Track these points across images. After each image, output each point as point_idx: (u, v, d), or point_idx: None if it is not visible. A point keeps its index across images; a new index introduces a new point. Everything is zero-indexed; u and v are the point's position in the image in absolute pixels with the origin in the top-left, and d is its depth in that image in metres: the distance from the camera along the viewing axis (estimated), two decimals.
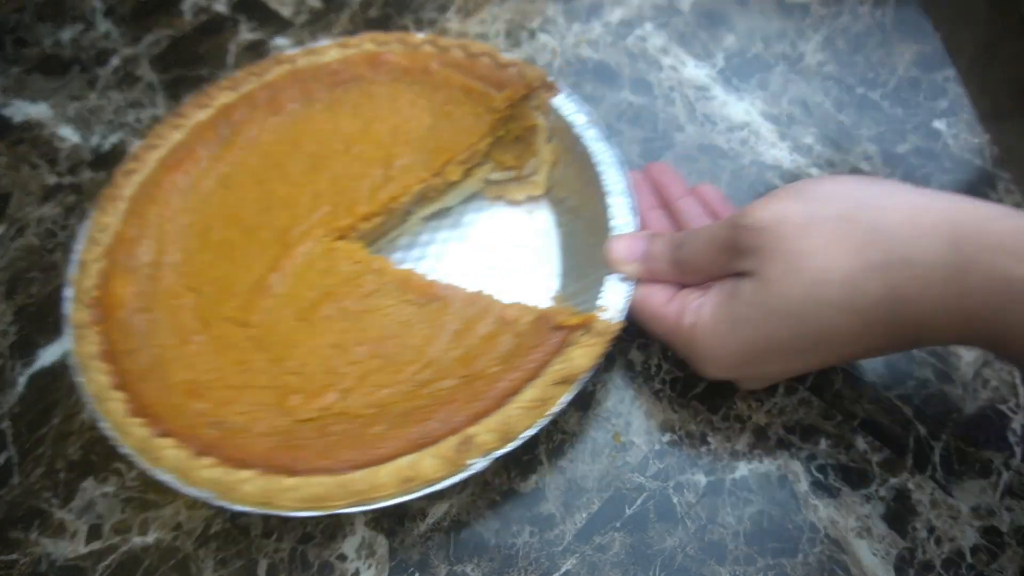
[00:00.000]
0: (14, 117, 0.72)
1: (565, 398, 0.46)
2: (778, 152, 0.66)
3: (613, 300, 0.49)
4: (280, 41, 0.77)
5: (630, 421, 0.54)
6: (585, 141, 0.57)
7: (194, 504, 0.51)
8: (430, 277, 0.53)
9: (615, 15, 0.76)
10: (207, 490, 0.44)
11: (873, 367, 0.55)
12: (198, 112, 0.61)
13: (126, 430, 0.46)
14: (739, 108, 0.69)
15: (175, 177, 0.57)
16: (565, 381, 0.46)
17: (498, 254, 0.59)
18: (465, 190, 0.62)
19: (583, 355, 0.46)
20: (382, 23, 0.78)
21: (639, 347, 0.56)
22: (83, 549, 0.50)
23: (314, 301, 0.51)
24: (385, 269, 0.53)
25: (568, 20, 0.76)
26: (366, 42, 0.64)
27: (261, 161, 0.59)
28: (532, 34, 0.75)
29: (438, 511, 0.51)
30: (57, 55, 0.76)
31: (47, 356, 0.58)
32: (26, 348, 0.58)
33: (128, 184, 0.57)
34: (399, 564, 0.49)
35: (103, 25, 0.79)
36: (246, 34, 0.78)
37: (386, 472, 0.43)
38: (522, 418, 0.45)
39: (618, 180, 0.54)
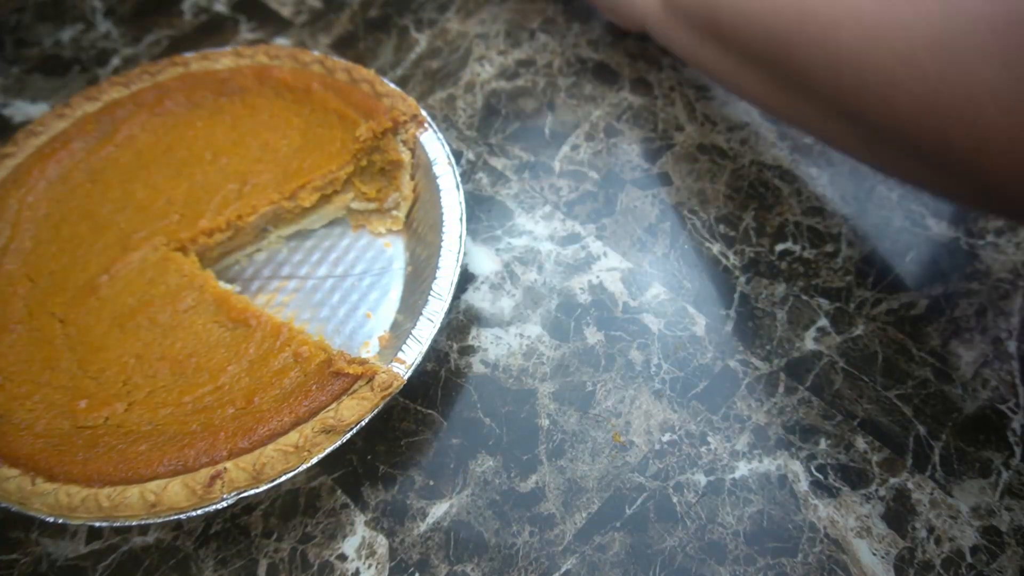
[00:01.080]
0: (14, 117, 0.72)
1: (326, 451, 0.45)
2: (778, 152, 0.66)
3: (413, 354, 0.49)
4: (280, 41, 0.77)
5: (630, 421, 0.54)
6: (439, 183, 0.57)
7: None
8: (276, 298, 0.57)
9: None
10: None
11: (873, 367, 0.55)
12: (86, 104, 0.63)
13: None
14: (739, 108, 0.69)
15: (47, 165, 0.59)
16: (330, 431, 0.45)
17: (348, 282, 0.59)
18: (327, 215, 0.62)
19: (353, 407, 0.46)
20: (382, 23, 0.78)
21: (639, 347, 0.57)
22: (83, 549, 0.50)
23: (133, 308, 0.52)
24: (207, 287, 0.53)
25: (568, 20, 0.76)
26: (260, 54, 0.65)
27: (133, 160, 0.60)
28: (532, 34, 0.75)
29: (438, 511, 0.51)
30: (57, 55, 0.76)
31: None
32: None
33: (1, 167, 0.59)
34: (399, 564, 0.49)
35: (103, 25, 0.80)
36: (246, 34, 0.78)
37: (133, 493, 0.44)
38: (276, 461, 0.44)
39: (454, 232, 0.54)
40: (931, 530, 0.49)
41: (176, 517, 0.44)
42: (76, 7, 0.80)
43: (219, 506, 0.44)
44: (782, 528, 0.49)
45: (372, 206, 0.61)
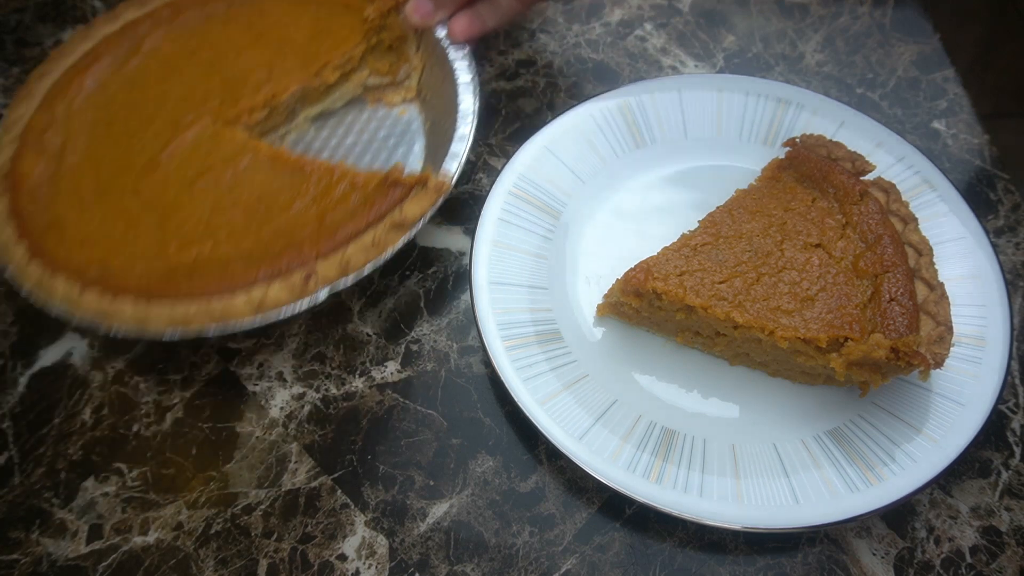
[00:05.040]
0: None
1: (399, 242, 0.54)
2: None
3: (452, 168, 0.57)
4: None
5: None
6: (444, 44, 0.64)
7: (195, 504, 0.52)
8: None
9: (615, 15, 0.76)
10: (91, 319, 0.51)
11: None
12: (105, 27, 0.68)
13: (25, 272, 0.54)
14: None
15: (83, 79, 0.64)
16: (398, 227, 0.54)
17: (375, 146, 0.66)
18: (346, 94, 0.68)
19: (414, 206, 0.55)
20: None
21: None
22: (84, 549, 0.50)
23: (196, 175, 0.58)
24: (259, 148, 0.59)
25: (568, 20, 0.76)
26: None
27: (161, 66, 0.65)
28: (532, 34, 0.75)
29: (438, 511, 0.51)
30: None
31: (48, 356, 0.58)
32: (27, 348, 0.58)
33: (41, 85, 0.64)
34: (399, 564, 0.49)
35: None
36: None
37: (241, 298, 0.51)
38: (358, 256, 0.53)
39: (466, 75, 0.63)
40: (931, 530, 0.49)
41: (279, 316, 0.51)
42: (76, 7, 0.80)
43: (317, 299, 0.51)
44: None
45: (386, 80, 0.69)
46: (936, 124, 0.68)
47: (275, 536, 0.50)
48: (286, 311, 0.51)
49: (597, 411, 0.51)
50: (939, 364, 0.46)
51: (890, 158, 0.60)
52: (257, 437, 0.54)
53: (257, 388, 0.56)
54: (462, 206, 0.64)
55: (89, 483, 0.53)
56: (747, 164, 0.62)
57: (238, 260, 0.53)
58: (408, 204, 0.55)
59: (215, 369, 0.57)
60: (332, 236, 0.53)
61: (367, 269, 0.52)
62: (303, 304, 0.51)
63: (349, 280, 0.52)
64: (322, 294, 0.51)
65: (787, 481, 0.48)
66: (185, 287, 0.52)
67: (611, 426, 0.51)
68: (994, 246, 0.55)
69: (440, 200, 0.55)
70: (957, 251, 0.56)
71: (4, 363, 0.58)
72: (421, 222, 0.54)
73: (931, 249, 0.51)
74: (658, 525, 0.50)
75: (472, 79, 0.62)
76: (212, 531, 0.51)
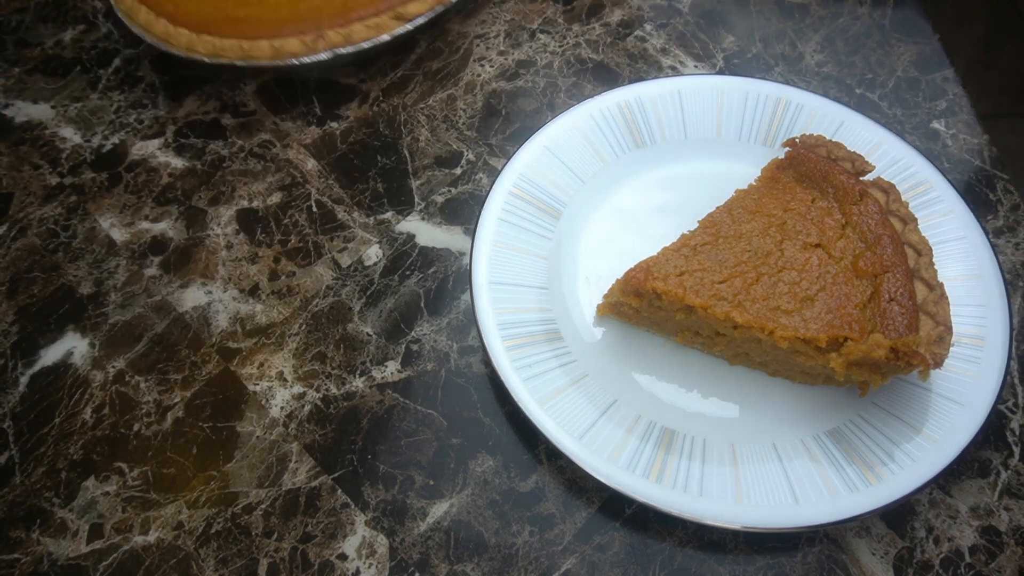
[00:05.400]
0: (16, 118, 0.72)
1: (396, 30, 0.68)
2: None
3: None
4: None
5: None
6: None
7: (195, 503, 0.52)
8: None
9: (615, 15, 0.76)
10: (159, 40, 0.69)
11: None
12: None
13: (123, 2, 0.71)
14: None
15: None
16: (399, 18, 0.69)
17: None
18: None
19: (417, 6, 0.70)
20: None
21: None
22: (84, 548, 0.50)
23: None
24: None
25: (568, 20, 0.77)
26: None
27: None
28: (532, 34, 0.76)
29: (438, 511, 0.51)
30: (58, 56, 0.77)
31: (49, 356, 0.58)
32: (28, 348, 0.58)
33: None
34: (399, 564, 0.49)
35: (104, 26, 0.79)
36: None
37: (265, 44, 0.67)
38: (361, 32, 0.68)
39: None
40: (930, 530, 0.50)
41: (290, 62, 0.66)
42: (77, 7, 0.80)
43: (320, 58, 0.66)
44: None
45: None
46: (936, 124, 0.68)
47: (275, 536, 0.50)
48: (293, 60, 0.66)
49: (597, 411, 0.51)
50: (939, 364, 0.46)
51: (890, 158, 0.60)
52: (257, 437, 0.54)
53: (257, 388, 0.56)
54: (462, 206, 0.65)
55: (90, 483, 0.53)
56: (747, 164, 0.62)
57: (273, 21, 0.69)
58: (413, 4, 0.70)
59: (215, 369, 0.57)
60: (345, 16, 0.68)
61: (365, 44, 0.67)
62: (309, 58, 0.67)
63: (349, 49, 0.67)
64: (325, 54, 0.67)
65: (787, 481, 0.48)
66: (228, 30, 0.68)
67: (611, 426, 0.51)
68: (993, 246, 0.55)
69: (439, 8, 0.70)
70: (957, 251, 0.56)
71: (4, 363, 0.58)
72: (418, 19, 0.69)
73: (931, 249, 0.51)
74: (658, 525, 0.50)
75: None
76: (212, 531, 0.51)
